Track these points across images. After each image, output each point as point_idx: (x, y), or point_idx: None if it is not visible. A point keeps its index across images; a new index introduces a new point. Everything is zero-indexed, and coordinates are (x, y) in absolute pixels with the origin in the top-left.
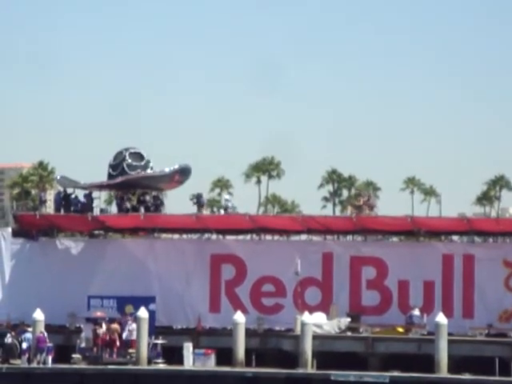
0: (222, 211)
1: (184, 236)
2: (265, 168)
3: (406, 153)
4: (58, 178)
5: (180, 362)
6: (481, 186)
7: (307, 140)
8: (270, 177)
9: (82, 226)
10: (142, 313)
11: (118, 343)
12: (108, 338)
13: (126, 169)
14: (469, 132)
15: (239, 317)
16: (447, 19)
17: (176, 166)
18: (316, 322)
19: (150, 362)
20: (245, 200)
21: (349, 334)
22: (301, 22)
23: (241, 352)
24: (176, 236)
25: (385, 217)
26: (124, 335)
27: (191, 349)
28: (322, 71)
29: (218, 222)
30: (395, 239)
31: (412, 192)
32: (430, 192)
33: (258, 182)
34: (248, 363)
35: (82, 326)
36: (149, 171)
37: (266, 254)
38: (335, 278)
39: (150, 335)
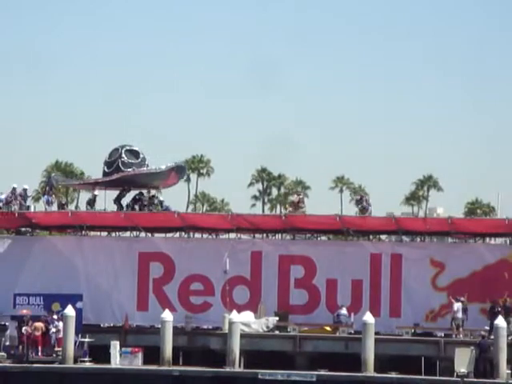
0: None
1: (112, 234)
2: (194, 166)
3: (336, 152)
4: (53, 174)
5: (107, 360)
6: (409, 185)
7: (237, 138)
8: (200, 175)
9: (9, 223)
10: (69, 311)
11: (42, 341)
12: (33, 336)
13: (121, 166)
14: (397, 132)
15: (167, 315)
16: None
17: (172, 164)
18: (244, 321)
19: (76, 360)
20: (174, 198)
21: (277, 332)
22: (301, 22)
23: (168, 350)
24: (104, 234)
25: (314, 216)
26: (50, 333)
27: (118, 347)
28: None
29: (147, 219)
30: (324, 238)
31: (341, 191)
32: (358, 191)
33: (188, 179)
34: (175, 362)
35: (7, 323)
36: (144, 168)
37: (195, 252)
38: (264, 277)
39: (76, 333)
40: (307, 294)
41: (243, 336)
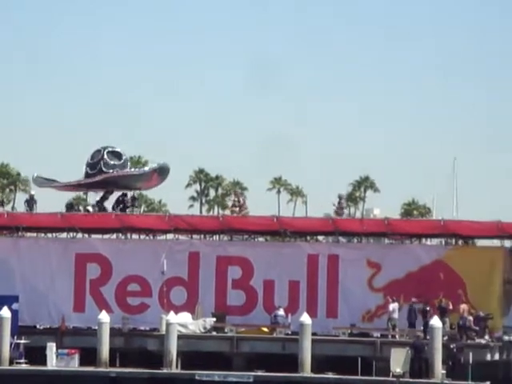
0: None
1: (49, 235)
2: (131, 167)
3: (273, 153)
4: (34, 176)
5: (43, 362)
6: (346, 186)
7: (178, 138)
8: None
9: None
10: (5, 312)
11: None
12: None
13: (103, 168)
14: (333, 133)
15: (104, 316)
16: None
17: (155, 165)
18: (181, 322)
19: (11, 362)
20: (112, 199)
21: (214, 333)
22: (300, 23)
23: (105, 352)
24: (41, 235)
25: (251, 217)
26: None
27: (54, 349)
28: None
29: (84, 221)
30: (261, 239)
31: (278, 192)
32: (296, 192)
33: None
34: (112, 363)
35: None
36: (128, 170)
37: (132, 253)
38: (201, 278)
39: (12, 335)
40: (244, 295)
41: (180, 337)
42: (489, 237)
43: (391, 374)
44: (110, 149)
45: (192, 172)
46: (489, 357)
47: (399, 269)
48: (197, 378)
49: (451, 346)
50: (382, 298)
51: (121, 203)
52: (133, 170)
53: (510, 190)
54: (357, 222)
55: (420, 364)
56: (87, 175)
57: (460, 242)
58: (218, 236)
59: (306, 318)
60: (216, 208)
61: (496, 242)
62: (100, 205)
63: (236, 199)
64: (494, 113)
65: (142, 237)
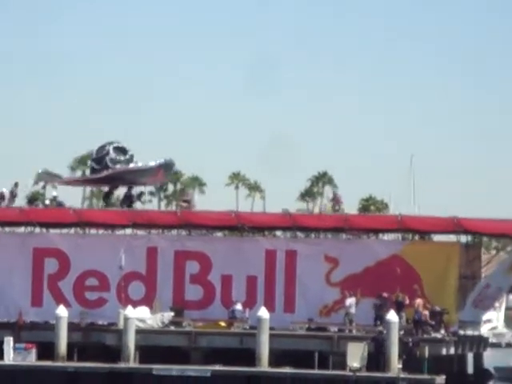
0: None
1: (6, 229)
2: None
3: (231, 148)
4: (40, 171)
5: (0, 356)
6: (304, 182)
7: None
8: (93, 170)
9: None
10: None
11: None
12: None
13: (108, 163)
14: (292, 129)
15: (62, 311)
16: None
17: (161, 160)
18: (139, 317)
19: None
20: (69, 193)
21: (172, 328)
22: (301, 22)
23: (63, 346)
24: None
25: (209, 212)
26: None
27: (12, 343)
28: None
29: (42, 215)
30: (220, 234)
31: (237, 187)
32: (254, 188)
33: (84, 175)
34: (70, 358)
35: None
36: (134, 165)
37: (90, 247)
38: (159, 273)
39: None
40: (202, 290)
41: (138, 332)
42: (445, 232)
43: (348, 368)
44: (116, 144)
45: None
46: (444, 351)
47: (357, 264)
48: (154, 372)
49: (407, 341)
50: (339, 292)
51: (128, 199)
52: (139, 165)
53: (466, 187)
54: (315, 218)
55: (379, 358)
56: (93, 170)
57: (417, 237)
58: (176, 231)
59: (263, 313)
60: (174, 203)
61: (452, 238)
62: (106, 200)
63: (184, 197)
64: (452, 110)
65: (101, 231)
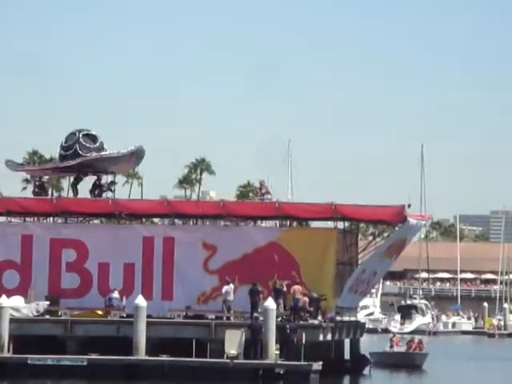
0: None
1: None
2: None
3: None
4: (5, 161)
5: None
6: (182, 169)
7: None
8: None
9: None
10: None
11: None
12: None
13: (79, 151)
14: (172, 115)
15: None
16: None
17: (133, 148)
18: (14, 306)
19: None
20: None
21: (47, 317)
22: (301, 23)
23: None
24: None
25: (86, 199)
26: None
27: None
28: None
29: None
30: (96, 221)
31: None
32: (132, 175)
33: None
34: None
35: None
36: (105, 152)
37: None
38: (34, 261)
39: None
40: (79, 278)
41: (12, 321)
42: (323, 218)
43: (225, 355)
44: (86, 131)
45: (26, 154)
46: (321, 337)
47: (235, 251)
48: (29, 362)
49: (284, 327)
50: (217, 279)
51: (97, 187)
52: (111, 152)
53: (345, 174)
54: (192, 205)
55: (257, 345)
56: (62, 158)
57: (294, 223)
58: (52, 219)
59: (140, 301)
60: (51, 190)
61: (330, 224)
62: (74, 188)
63: (37, 180)
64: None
65: None
